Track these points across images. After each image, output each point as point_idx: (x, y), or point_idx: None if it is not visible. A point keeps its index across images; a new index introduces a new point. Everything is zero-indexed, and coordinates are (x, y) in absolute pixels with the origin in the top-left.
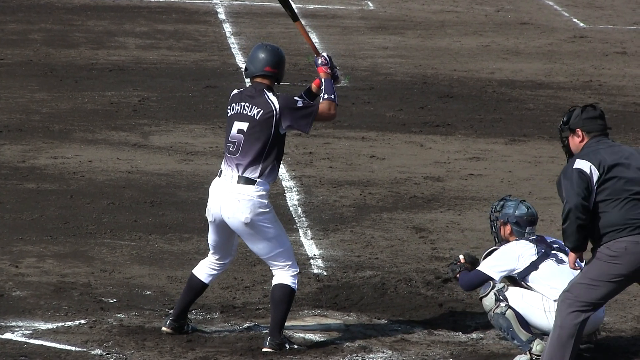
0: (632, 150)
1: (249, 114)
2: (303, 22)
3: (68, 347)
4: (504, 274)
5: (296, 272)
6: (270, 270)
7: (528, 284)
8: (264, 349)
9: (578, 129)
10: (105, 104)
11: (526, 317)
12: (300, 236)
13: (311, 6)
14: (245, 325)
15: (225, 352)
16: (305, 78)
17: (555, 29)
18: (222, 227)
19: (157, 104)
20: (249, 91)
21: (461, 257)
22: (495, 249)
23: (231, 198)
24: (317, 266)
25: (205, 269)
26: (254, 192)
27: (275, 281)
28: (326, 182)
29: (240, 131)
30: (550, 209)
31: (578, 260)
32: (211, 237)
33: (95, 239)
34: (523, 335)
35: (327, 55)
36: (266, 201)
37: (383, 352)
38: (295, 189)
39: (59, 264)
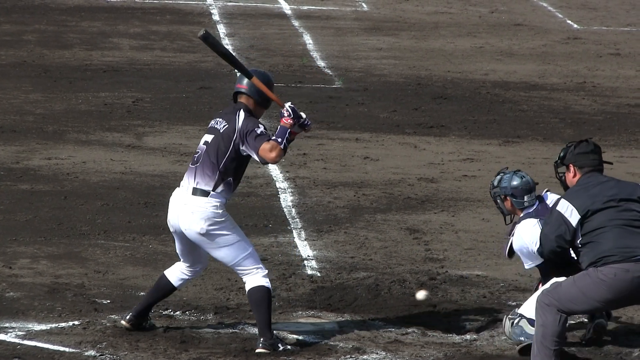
0: (618, 184)
1: (216, 126)
2: (297, 23)
3: (62, 348)
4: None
5: (266, 273)
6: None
7: None
8: (257, 350)
9: (570, 164)
10: (99, 105)
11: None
12: (294, 237)
13: (305, 7)
14: (239, 326)
15: (219, 353)
16: (299, 79)
17: (549, 30)
18: (184, 236)
19: (151, 105)
20: (228, 108)
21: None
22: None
23: (185, 210)
24: (311, 267)
25: (177, 273)
26: (206, 204)
27: (248, 286)
28: (320, 183)
29: (205, 142)
30: None
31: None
32: (177, 246)
33: (89, 240)
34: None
35: (290, 107)
36: (220, 211)
37: (377, 353)
38: (289, 190)
39: (53, 265)
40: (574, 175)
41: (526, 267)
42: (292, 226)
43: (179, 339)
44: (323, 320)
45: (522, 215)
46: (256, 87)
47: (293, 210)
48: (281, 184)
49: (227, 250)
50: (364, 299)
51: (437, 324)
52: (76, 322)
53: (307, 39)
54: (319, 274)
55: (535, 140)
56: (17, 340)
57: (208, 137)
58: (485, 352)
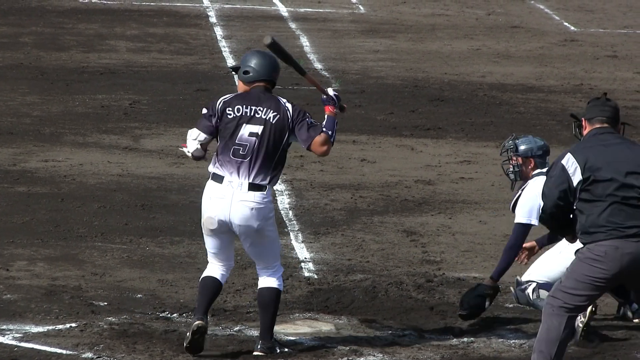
0: (630, 151)
1: (263, 117)
2: (294, 26)
3: (59, 351)
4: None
5: (281, 272)
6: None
7: None
8: (255, 352)
9: (583, 119)
10: (96, 107)
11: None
12: (291, 239)
13: (302, 9)
14: (236, 328)
15: (217, 356)
16: (296, 81)
17: (546, 32)
18: (226, 234)
19: (148, 107)
20: (256, 95)
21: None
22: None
23: (244, 207)
24: (308, 269)
25: (216, 271)
26: (264, 200)
27: (261, 284)
28: (317, 185)
29: (252, 134)
30: None
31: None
32: (212, 244)
33: (86, 242)
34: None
35: (335, 95)
36: (272, 205)
37: (374, 356)
38: (286, 192)
39: (50, 267)
40: (585, 129)
41: (534, 223)
42: (289, 228)
43: (176, 341)
44: (320, 323)
45: (533, 173)
46: (275, 71)
47: (290, 212)
48: (278, 186)
49: (268, 245)
50: (361, 301)
51: (434, 326)
52: (73, 324)
53: (304, 41)
54: (316, 276)
55: None
56: (14, 343)
57: (254, 128)
58: (482, 355)
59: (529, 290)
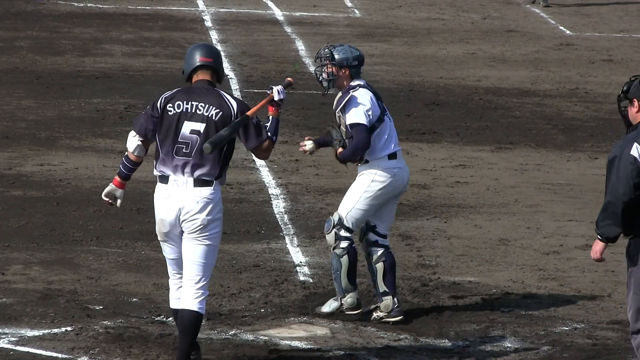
0: None
1: (204, 113)
2: (290, 30)
3: (54, 354)
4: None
5: (206, 295)
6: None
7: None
8: None
9: (635, 99)
10: (91, 111)
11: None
12: (286, 244)
13: (297, 13)
14: (232, 332)
15: (212, 359)
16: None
17: (541, 36)
18: (177, 236)
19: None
20: (198, 90)
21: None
22: (346, 101)
23: (190, 200)
24: (304, 273)
25: (178, 295)
26: (211, 194)
27: (183, 304)
28: (312, 189)
29: (194, 132)
30: (537, 217)
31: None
32: (171, 254)
33: (81, 246)
34: (345, 284)
35: (281, 90)
36: (221, 205)
37: None
38: (282, 196)
39: (45, 271)
40: (638, 110)
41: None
42: (284, 232)
43: (172, 345)
44: (315, 327)
45: (352, 84)
46: (220, 60)
47: (285, 216)
48: (273, 190)
49: (209, 251)
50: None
51: (430, 330)
52: (69, 328)
53: (300, 45)
54: (311, 280)
55: (528, 146)
56: (9, 346)
57: (195, 126)
58: (478, 358)
59: (336, 249)
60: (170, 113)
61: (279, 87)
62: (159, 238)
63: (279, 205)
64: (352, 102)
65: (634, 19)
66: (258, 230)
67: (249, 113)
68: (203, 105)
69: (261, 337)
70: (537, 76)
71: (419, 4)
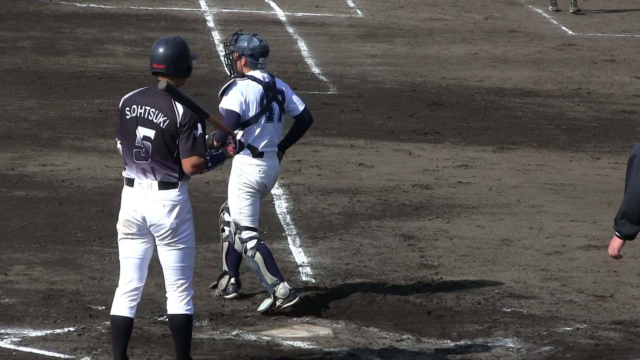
0: None
1: (154, 120)
2: (292, 30)
3: (57, 355)
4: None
5: (192, 295)
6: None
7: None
8: None
9: None
10: (94, 112)
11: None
12: (288, 244)
13: (300, 14)
14: (234, 332)
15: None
16: (294, 86)
17: (543, 36)
18: (143, 241)
19: None
20: (152, 93)
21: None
22: (226, 85)
23: (156, 204)
24: (306, 274)
25: (124, 304)
26: (177, 196)
27: (171, 309)
28: (315, 189)
29: (146, 138)
30: (539, 217)
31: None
32: (128, 261)
33: (84, 246)
34: (269, 278)
35: (242, 139)
36: (189, 205)
37: None
38: (284, 196)
39: (48, 271)
40: None
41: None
42: (286, 233)
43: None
44: (318, 327)
45: (247, 73)
46: (178, 62)
47: (288, 216)
48: (276, 190)
49: (185, 253)
50: (359, 305)
51: (432, 330)
52: (71, 329)
53: (302, 45)
54: (313, 281)
55: (530, 146)
56: (12, 347)
57: (147, 132)
58: (480, 359)
59: (248, 252)
60: (127, 117)
61: (244, 138)
62: (119, 237)
63: (281, 206)
64: (230, 88)
65: (636, 19)
66: (260, 230)
67: (210, 118)
68: (154, 111)
69: (264, 338)
70: (539, 76)
71: (421, 4)
